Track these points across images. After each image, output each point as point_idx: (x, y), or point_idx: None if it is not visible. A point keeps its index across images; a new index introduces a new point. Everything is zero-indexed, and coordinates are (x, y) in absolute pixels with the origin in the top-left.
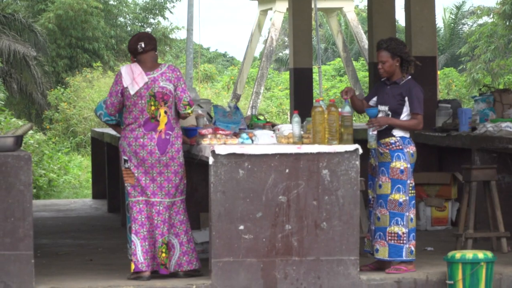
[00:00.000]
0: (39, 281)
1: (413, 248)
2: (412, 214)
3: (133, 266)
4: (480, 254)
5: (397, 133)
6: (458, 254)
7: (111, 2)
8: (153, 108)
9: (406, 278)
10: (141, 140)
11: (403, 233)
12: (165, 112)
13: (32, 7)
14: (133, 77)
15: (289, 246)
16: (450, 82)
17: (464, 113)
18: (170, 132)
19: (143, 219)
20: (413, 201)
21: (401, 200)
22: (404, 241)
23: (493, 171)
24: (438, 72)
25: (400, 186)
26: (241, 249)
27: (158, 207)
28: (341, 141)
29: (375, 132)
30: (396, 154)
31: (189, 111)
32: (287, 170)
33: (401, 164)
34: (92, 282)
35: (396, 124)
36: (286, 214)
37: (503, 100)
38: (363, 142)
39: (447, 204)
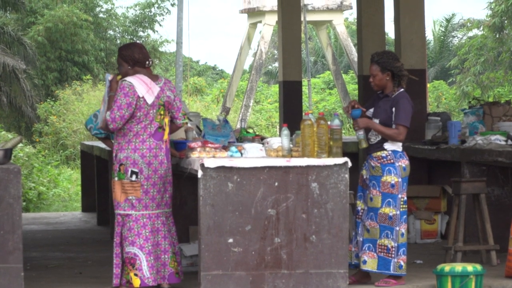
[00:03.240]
0: None
1: (402, 263)
2: (403, 229)
3: (138, 281)
4: (470, 267)
5: (389, 147)
6: (447, 267)
7: (101, 15)
8: (161, 117)
9: None
10: (154, 150)
11: (392, 246)
12: (168, 121)
13: (22, 20)
14: (148, 87)
15: (278, 259)
16: (439, 95)
17: (453, 126)
18: (168, 142)
19: (147, 234)
20: (405, 216)
21: (391, 214)
22: (393, 255)
23: (482, 184)
24: (428, 85)
25: (390, 200)
26: (230, 262)
27: (162, 218)
28: (330, 154)
29: (361, 132)
30: (387, 168)
31: (186, 121)
32: (276, 183)
33: (392, 178)
34: None
35: (376, 128)
36: (275, 227)
37: (493, 113)
38: (352, 155)
39: (437, 217)
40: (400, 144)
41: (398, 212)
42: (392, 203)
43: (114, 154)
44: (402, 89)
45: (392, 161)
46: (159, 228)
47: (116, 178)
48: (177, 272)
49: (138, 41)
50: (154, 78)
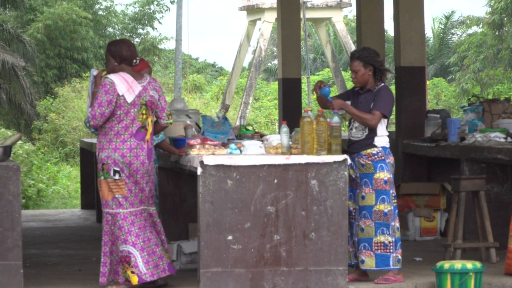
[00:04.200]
0: None
1: (400, 257)
2: (397, 223)
3: (136, 278)
4: (469, 264)
5: (379, 143)
6: (446, 264)
7: (100, 13)
8: (144, 116)
9: None
10: (135, 150)
11: (390, 242)
12: (151, 121)
13: (21, 17)
14: (129, 85)
15: (278, 256)
16: (439, 92)
17: (453, 123)
18: (152, 142)
19: (136, 230)
20: (397, 210)
21: (386, 210)
22: (391, 250)
23: (482, 181)
24: (427, 82)
25: (384, 196)
26: (230, 259)
27: (144, 214)
28: (329, 151)
29: (337, 111)
30: (379, 165)
31: (171, 121)
32: (275, 181)
33: (384, 174)
34: None
35: (350, 111)
36: (274, 225)
37: (492, 110)
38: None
39: (436, 214)
40: (387, 139)
41: (391, 208)
42: (386, 199)
43: (96, 153)
44: (383, 84)
45: (383, 157)
46: (145, 224)
47: (102, 177)
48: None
49: (126, 38)
50: (139, 76)
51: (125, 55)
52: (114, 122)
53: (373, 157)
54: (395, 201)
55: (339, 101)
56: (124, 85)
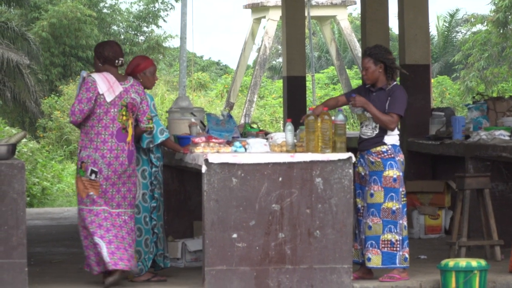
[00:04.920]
0: None
1: (407, 256)
2: (405, 221)
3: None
4: (474, 262)
5: (389, 141)
6: (451, 262)
7: (105, 11)
8: (124, 118)
9: (400, 287)
10: (115, 151)
11: (397, 240)
12: (132, 124)
13: (26, 15)
14: (110, 84)
15: (282, 254)
16: (443, 90)
17: (457, 121)
18: (133, 144)
19: (108, 226)
20: (405, 209)
21: (394, 208)
22: (398, 248)
23: (486, 179)
24: (432, 80)
25: (393, 194)
26: (234, 257)
27: (123, 217)
28: (334, 149)
29: (358, 109)
30: (388, 162)
31: (151, 125)
32: (280, 179)
33: (394, 172)
34: None
35: (372, 110)
36: (279, 222)
37: (497, 108)
38: (356, 150)
39: (441, 212)
40: (398, 137)
41: (400, 206)
42: (394, 197)
43: (78, 151)
44: (395, 82)
45: (392, 155)
46: (121, 225)
47: (78, 175)
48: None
49: (112, 40)
50: (122, 78)
51: (107, 55)
52: (94, 121)
53: (382, 155)
54: (405, 199)
55: (362, 99)
56: (105, 84)
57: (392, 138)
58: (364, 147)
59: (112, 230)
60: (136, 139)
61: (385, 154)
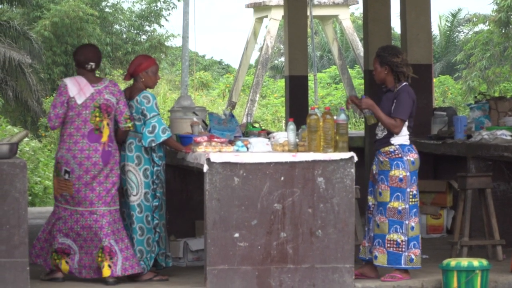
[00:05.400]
0: None
1: (413, 256)
2: (413, 222)
3: (67, 268)
4: (475, 262)
5: (396, 141)
6: (453, 262)
7: (107, 10)
8: (97, 119)
9: (402, 286)
10: (87, 152)
11: (402, 241)
12: (108, 124)
13: (28, 14)
14: (80, 87)
15: (284, 254)
16: (445, 90)
17: (459, 120)
18: (111, 144)
19: (78, 229)
20: (415, 210)
21: (400, 208)
22: (403, 249)
23: (488, 179)
24: (434, 80)
25: (399, 194)
26: (236, 256)
27: (95, 216)
28: (336, 149)
29: (367, 110)
30: (395, 162)
31: (130, 124)
32: (282, 178)
33: (400, 172)
34: None
35: (377, 113)
36: (281, 222)
37: (499, 108)
38: (358, 150)
39: (442, 212)
40: (407, 137)
41: (407, 206)
42: (400, 197)
43: (56, 152)
44: (405, 83)
45: (400, 155)
46: (91, 225)
47: (55, 174)
48: (109, 265)
49: (91, 44)
50: (95, 80)
51: (78, 59)
52: (67, 124)
53: (390, 155)
54: (414, 200)
55: (369, 101)
56: (76, 87)
57: (400, 138)
58: (376, 147)
59: (82, 234)
60: (121, 140)
61: (393, 154)
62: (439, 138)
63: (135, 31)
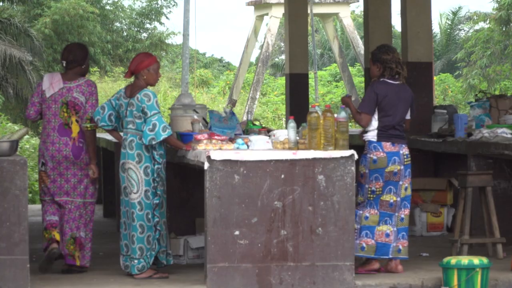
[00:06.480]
0: (34, 286)
1: (364, 245)
2: (367, 213)
3: (59, 236)
4: (476, 260)
5: (366, 137)
6: (453, 260)
7: (108, 7)
8: (65, 115)
9: (402, 284)
10: (57, 145)
11: (355, 229)
12: (76, 121)
13: (28, 12)
14: (51, 82)
15: (285, 252)
16: (446, 88)
17: (460, 118)
18: (82, 141)
19: (57, 217)
20: (371, 202)
21: (359, 201)
22: (355, 237)
23: (489, 177)
24: (434, 78)
25: (359, 189)
26: (236, 254)
27: (70, 206)
28: (336, 146)
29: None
30: (361, 158)
31: (87, 125)
32: (282, 176)
33: (361, 168)
34: (87, 286)
35: (351, 109)
36: (281, 220)
37: (499, 106)
38: (359, 147)
39: (443, 209)
40: (375, 133)
41: (365, 201)
42: (360, 192)
43: None
44: (381, 79)
45: (365, 151)
46: (63, 213)
47: (38, 166)
48: (72, 255)
49: (75, 42)
50: (71, 78)
51: (60, 57)
52: (43, 117)
53: (364, 151)
54: (372, 196)
55: (345, 99)
56: (49, 81)
57: (369, 134)
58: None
59: (59, 221)
60: (88, 140)
61: (364, 150)
62: (440, 136)
63: (136, 29)
